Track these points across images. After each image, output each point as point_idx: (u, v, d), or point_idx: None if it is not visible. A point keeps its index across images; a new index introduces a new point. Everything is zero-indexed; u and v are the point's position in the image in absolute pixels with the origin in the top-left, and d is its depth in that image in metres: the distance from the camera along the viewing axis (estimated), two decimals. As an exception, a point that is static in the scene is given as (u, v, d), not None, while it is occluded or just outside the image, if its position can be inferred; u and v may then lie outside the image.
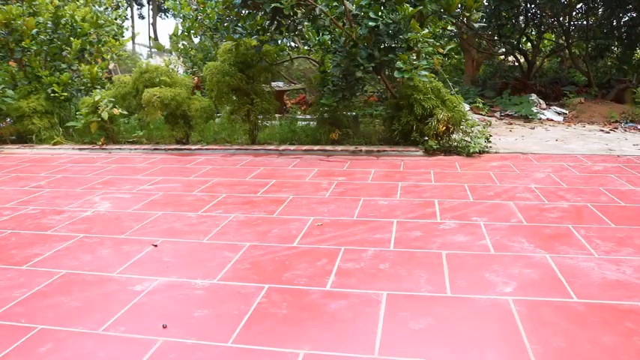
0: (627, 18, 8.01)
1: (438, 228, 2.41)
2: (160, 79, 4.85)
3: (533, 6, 8.22)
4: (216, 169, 3.85)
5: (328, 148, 4.46)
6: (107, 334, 1.51)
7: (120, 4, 7.86)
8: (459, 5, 4.30)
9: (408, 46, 4.21)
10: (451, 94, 4.45)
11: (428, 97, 4.23)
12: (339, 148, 4.44)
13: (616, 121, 6.13)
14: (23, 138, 5.27)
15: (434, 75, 4.54)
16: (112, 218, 2.61)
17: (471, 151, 4.17)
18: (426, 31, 4.19)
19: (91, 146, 4.88)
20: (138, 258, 2.09)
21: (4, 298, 1.74)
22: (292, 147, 4.57)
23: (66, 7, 5.76)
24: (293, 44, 6.56)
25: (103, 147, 4.84)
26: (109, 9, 6.55)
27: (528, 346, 1.41)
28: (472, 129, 4.40)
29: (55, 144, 5.03)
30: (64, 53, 5.67)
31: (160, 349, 1.43)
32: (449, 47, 5.51)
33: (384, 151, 4.34)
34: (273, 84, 5.79)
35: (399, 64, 4.05)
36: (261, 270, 1.96)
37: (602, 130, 5.64)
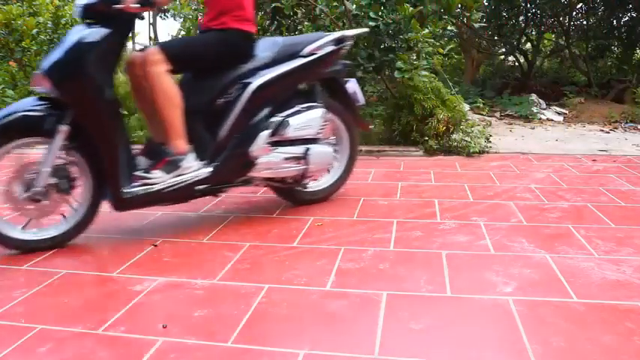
0: (627, 18, 8.01)
1: (438, 228, 2.41)
2: (160, 79, 4.84)
3: (533, 6, 8.22)
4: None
5: (328, 148, 4.46)
6: (107, 334, 1.51)
7: (120, 4, 7.83)
8: (459, 5, 4.30)
9: (408, 46, 4.21)
10: (451, 94, 4.45)
11: (428, 97, 4.23)
12: (339, 148, 4.44)
13: (616, 121, 6.12)
14: (23, 138, 5.26)
15: (434, 75, 4.54)
16: (112, 218, 2.60)
17: (471, 151, 4.17)
18: (427, 31, 4.19)
19: (91, 146, 4.87)
20: (138, 258, 2.09)
21: (4, 298, 1.74)
22: (292, 147, 4.57)
23: (66, 7, 5.76)
24: (293, 44, 6.55)
25: (103, 147, 4.83)
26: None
27: (528, 346, 1.41)
28: (472, 129, 4.40)
29: (55, 144, 5.02)
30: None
31: (159, 349, 1.43)
32: (449, 47, 5.51)
33: (384, 151, 4.33)
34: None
35: (399, 64, 4.05)
36: (261, 270, 1.96)
37: (602, 130, 5.64)
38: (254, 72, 2.34)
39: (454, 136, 4.36)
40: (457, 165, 3.85)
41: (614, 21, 8.04)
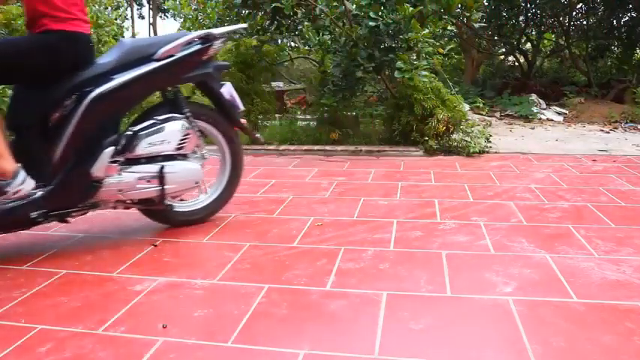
0: (627, 18, 8.01)
1: (438, 228, 2.41)
2: (160, 79, 4.84)
3: (533, 6, 8.22)
4: (216, 168, 3.84)
5: (328, 148, 4.46)
6: (107, 334, 1.51)
7: (120, 4, 7.86)
8: (459, 5, 4.30)
9: (409, 46, 4.21)
10: (451, 94, 4.46)
11: (428, 97, 4.23)
12: (339, 148, 4.45)
13: (616, 121, 6.13)
14: (23, 138, 5.26)
15: (434, 75, 4.55)
16: (111, 218, 2.60)
17: (471, 151, 4.18)
18: (427, 31, 4.19)
19: (91, 146, 4.87)
20: (138, 258, 2.09)
21: (4, 298, 1.74)
22: (292, 147, 4.57)
23: (66, 7, 5.75)
24: (293, 44, 6.56)
25: (103, 147, 4.82)
26: (109, 9, 6.55)
27: (528, 346, 1.41)
28: (472, 129, 4.40)
29: (55, 144, 5.02)
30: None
31: (159, 349, 1.43)
32: (449, 47, 5.51)
33: (384, 151, 4.34)
34: (273, 84, 5.79)
35: (399, 64, 4.05)
36: (261, 270, 1.96)
37: (602, 130, 5.64)
38: (93, 81, 2.01)
39: (454, 136, 4.37)
40: (457, 165, 3.85)
41: (614, 21, 8.05)
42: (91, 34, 2.10)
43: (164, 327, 1.54)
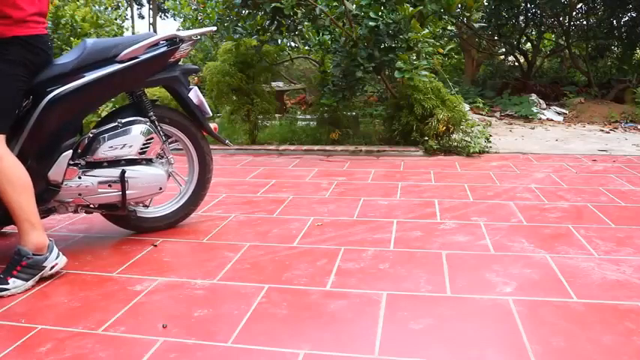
0: (627, 18, 8.01)
1: (438, 228, 2.41)
2: (160, 79, 4.83)
3: (533, 6, 8.22)
4: (215, 168, 3.83)
5: (328, 148, 4.46)
6: (107, 334, 1.51)
7: (120, 4, 7.86)
8: (459, 5, 4.30)
9: (409, 46, 4.21)
10: (451, 94, 4.45)
11: (428, 97, 4.23)
12: (339, 148, 4.45)
13: (616, 121, 6.13)
14: (23, 138, 5.25)
15: (434, 75, 4.55)
16: (112, 218, 2.60)
17: (471, 151, 4.18)
18: (427, 31, 4.19)
19: (91, 146, 4.86)
20: (138, 258, 2.09)
21: (4, 298, 1.74)
22: (292, 147, 4.57)
23: (66, 7, 5.75)
24: (293, 44, 6.56)
25: (103, 147, 4.81)
26: (109, 9, 6.54)
27: (528, 346, 1.41)
28: (472, 129, 4.40)
29: (55, 144, 5.01)
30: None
31: (159, 349, 1.43)
32: (449, 47, 5.52)
33: (384, 151, 4.34)
34: (273, 84, 5.79)
35: (399, 64, 4.05)
36: (261, 270, 1.96)
37: (602, 130, 5.64)
38: (51, 82, 1.95)
39: (454, 136, 4.37)
40: (457, 165, 3.85)
41: (614, 21, 8.04)
42: (48, 33, 2.00)
43: (164, 327, 1.54)
